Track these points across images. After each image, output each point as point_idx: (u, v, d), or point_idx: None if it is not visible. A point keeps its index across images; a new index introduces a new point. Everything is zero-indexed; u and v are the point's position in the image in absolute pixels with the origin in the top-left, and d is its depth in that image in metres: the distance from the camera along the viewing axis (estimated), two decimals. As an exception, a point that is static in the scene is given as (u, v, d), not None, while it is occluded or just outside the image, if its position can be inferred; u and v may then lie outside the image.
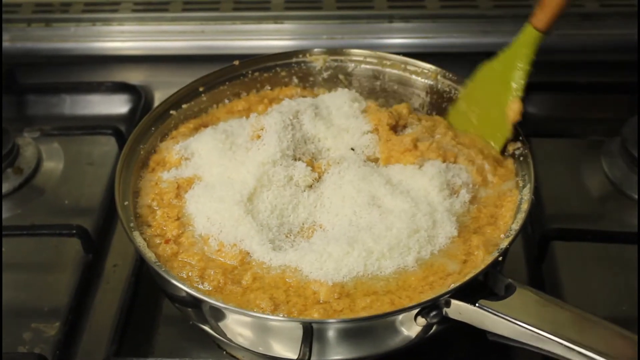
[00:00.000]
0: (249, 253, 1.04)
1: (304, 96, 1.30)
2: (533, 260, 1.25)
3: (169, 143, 1.23)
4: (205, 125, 1.26)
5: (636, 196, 1.34)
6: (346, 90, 1.28)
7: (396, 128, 1.21)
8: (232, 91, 1.32)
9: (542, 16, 1.12)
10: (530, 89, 1.55)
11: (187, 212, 1.11)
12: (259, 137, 1.17)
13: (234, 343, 1.03)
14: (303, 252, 1.03)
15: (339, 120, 1.21)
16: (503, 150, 1.18)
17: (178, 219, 1.10)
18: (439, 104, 1.29)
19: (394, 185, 1.11)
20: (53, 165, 1.47)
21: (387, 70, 1.32)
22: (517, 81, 1.15)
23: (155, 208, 1.12)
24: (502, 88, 1.16)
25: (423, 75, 1.30)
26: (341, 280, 1.00)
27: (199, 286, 1.01)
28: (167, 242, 1.07)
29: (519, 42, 1.15)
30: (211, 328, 1.03)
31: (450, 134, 1.21)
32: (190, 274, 1.02)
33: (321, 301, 0.98)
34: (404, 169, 1.13)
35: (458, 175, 1.13)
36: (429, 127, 1.22)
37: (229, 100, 1.32)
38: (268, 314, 0.96)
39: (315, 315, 0.96)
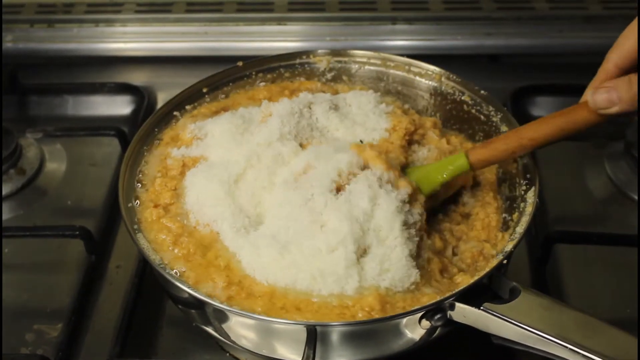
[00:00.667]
0: (219, 234, 1.05)
1: (323, 91, 1.29)
2: (536, 263, 1.25)
3: (187, 120, 1.22)
4: (226, 110, 1.26)
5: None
6: (371, 91, 1.26)
7: (412, 135, 1.19)
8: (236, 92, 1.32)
9: (481, 155, 1.07)
10: (534, 92, 1.57)
11: (183, 185, 1.12)
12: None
13: (238, 345, 1.03)
14: (245, 243, 1.02)
15: (357, 117, 1.19)
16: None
17: (175, 189, 1.11)
18: (443, 105, 1.28)
19: (348, 194, 1.03)
20: (56, 166, 1.46)
21: (391, 71, 1.31)
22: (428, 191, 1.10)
23: (157, 176, 1.14)
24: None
25: (427, 77, 1.29)
26: (273, 283, 0.98)
27: (172, 251, 1.04)
28: (156, 206, 1.09)
29: (448, 163, 1.10)
30: (214, 330, 1.03)
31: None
32: (166, 237, 1.05)
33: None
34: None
35: (411, 214, 1.04)
36: (445, 152, 1.18)
37: (232, 100, 1.32)
38: (272, 317, 0.95)
39: (259, 302, 0.96)
